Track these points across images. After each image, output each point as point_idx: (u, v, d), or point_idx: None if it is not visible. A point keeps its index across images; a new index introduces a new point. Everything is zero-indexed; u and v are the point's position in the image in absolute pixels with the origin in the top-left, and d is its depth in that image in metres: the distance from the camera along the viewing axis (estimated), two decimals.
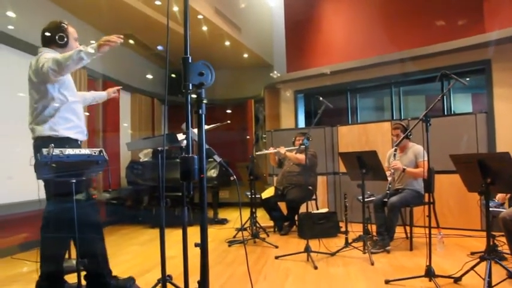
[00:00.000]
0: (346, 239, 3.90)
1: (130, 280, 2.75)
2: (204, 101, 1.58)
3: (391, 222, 3.81)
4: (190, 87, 1.55)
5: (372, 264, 3.32)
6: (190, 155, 1.54)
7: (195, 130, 1.60)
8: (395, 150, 4.00)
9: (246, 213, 5.14)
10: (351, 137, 5.72)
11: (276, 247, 4.09)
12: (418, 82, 6.16)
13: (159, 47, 6.83)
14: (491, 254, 2.63)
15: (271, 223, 5.11)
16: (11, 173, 4.09)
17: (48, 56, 2.47)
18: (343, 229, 4.24)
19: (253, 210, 4.60)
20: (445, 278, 2.75)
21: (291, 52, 7.26)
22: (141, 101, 7.16)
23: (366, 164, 3.66)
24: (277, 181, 5.25)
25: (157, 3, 5.27)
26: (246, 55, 7.60)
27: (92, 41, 2.48)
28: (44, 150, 2.12)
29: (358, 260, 3.49)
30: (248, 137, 8.51)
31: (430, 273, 2.70)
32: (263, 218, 5.24)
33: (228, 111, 8.85)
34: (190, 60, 1.56)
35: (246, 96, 8.51)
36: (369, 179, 3.74)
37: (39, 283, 2.49)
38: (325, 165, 5.72)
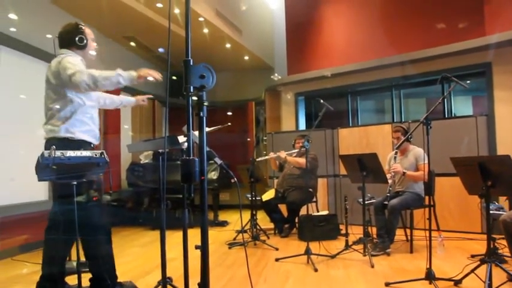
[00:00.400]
0: (347, 241, 3.90)
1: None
2: (205, 104, 1.58)
3: (392, 225, 3.81)
4: (192, 90, 1.56)
5: (372, 266, 3.31)
6: (191, 157, 1.55)
7: (196, 132, 1.60)
8: (396, 153, 4.01)
9: (246, 215, 5.14)
10: (351, 140, 5.73)
11: (276, 249, 4.09)
12: (419, 85, 6.16)
13: (160, 49, 6.85)
14: (491, 256, 2.62)
15: (272, 225, 5.11)
16: (11, 174, 4.10)
17: (72, 60, 2.47)
18: (343, 231, 4.24)
19: (254, 212, 4.60)
20: (445, 281, 2.75)
21: (292, 54, 7.27)
22: None
23: (366, 166, 3.67)
24: (277, 183, 5.25)
25: (159, 5, 5.29)
26: (247, 57, 7.61)
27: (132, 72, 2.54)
28: (46, 152, 2.12)
29: (359, 263, 3.49)
30: (249, 139, 8.52)
31: (430, 276, 2.70)
32: (263, 220, 5.24)
33: (229, 113, 8.86)
34: (191, 63, 1.56)
35: (247, 99, 8.52)
36: (370, 181, 3.74)
37: (40, 283, 2.50)
38: (325, 168, 5.72)
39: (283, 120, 7.12)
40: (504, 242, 2.88)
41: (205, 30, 6.17)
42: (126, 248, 4.46)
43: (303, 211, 4.85)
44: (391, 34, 5.87)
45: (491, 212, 2.84)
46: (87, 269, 2.58)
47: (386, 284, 2.78)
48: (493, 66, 4.96)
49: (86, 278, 2.57)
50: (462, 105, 6.74)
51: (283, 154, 4.97)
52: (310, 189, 4.85)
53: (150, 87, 7.56)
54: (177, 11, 5.23)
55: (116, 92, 3.33)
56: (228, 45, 6.90)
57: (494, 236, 3.06)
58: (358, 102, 6.87)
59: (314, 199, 5.02)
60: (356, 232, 4.15)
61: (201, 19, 5.82)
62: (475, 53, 5.01)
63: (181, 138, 2.54)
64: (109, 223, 2.67)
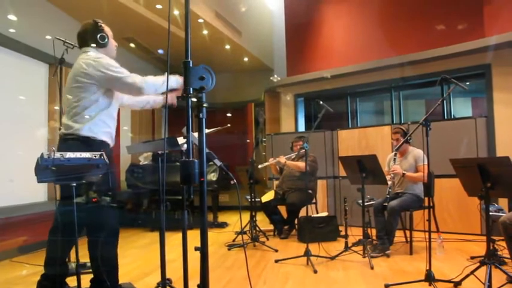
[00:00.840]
0: (346, 243, 3.89)
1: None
2: (205, 105, 1.58)
3: (391, 226, 3.81)
4: (191, 91, 1.56)
5: (372, 268, 3.31)
6: (191, 159, 1.55)
7: (196, 134, 1.60)
8: (395, 154, 4.01)
9: (245, 216, 5.14)
10: (351, 141, 5.73)
11: (276, 251, 4.08)
12: (418, 86, 6.17)
13: (160, 51, 6.85)
14: (491, 258, 2.63)
15: (271, 227, 5.10)
16: (10, 175, 4.09)
17: (111, 62, 2.47)
18: (342, 233, 4.23)
19: (253, 213, 4.59)
20: (445, 283, 2.75)
21: (291, 56, 7.27)
22: None
23: (365, 168, 3.67)
24: (277, 185, 5.25)
25: (159, 7, 5.29)
26: (246, 59, 7.62)
27: None
28: (45, 153, 2.12)
29: (358, 264, 3.49)
30: (248, 140, 8.52)
31: (429, 278, 2.70)
32: (263, 221, 5.24)
33: (228, 114, 8.86)
34: (191, 64, 1.56)
35: (246, 100, 8.52)
36: (369, 183, 3.74)
37: (41, 282, 2.49)
38: (325, 169, 5.72)
39: (283, 121, 7.12)
40: (503, 243, 2.88)
41: (205, 32, 6.18)
42: (126, 249, 4.45)
43: (302, 212, 4.84)
44: (391, 35, 5.87)
45: (490, 213, 2.84)
46: (87, 270, 2.57)
47: (386, 286, 2.78)
48: (493, 68, 4.97)
49: (86, 279, 2.56)
50: (461, 107, 6.76)
51: (282, 159, 4.97)
52: (310, 191, 4.85)
53: None
54: (176, 12, 5.24)
55: None
56: (227, 47, 6.91)
57: (493, 237, 3.07)
58: (358, 104, 6.87)
59: (313, 200, 5.01)
60: (355, 234, 4.14)
61: (200, 20, 5.83)
62: (474, 55, 5.02)
63: (181, 140, 2.53)
64: (118, 225, 2.65)
